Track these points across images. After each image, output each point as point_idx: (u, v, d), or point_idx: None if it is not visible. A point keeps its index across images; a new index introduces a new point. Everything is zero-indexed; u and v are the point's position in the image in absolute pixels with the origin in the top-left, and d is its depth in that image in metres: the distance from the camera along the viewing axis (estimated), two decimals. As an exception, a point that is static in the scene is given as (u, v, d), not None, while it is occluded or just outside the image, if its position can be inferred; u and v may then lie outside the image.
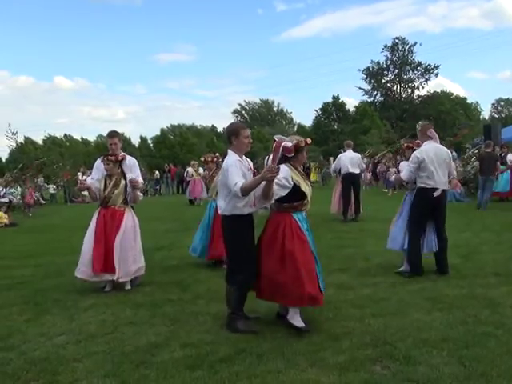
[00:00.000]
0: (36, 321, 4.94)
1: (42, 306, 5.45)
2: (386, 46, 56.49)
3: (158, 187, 30.80)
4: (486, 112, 67.72)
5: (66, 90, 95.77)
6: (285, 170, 4.33)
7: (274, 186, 4.20)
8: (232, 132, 4.49)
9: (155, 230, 11.73)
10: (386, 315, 4.66)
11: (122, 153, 6.26)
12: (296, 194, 4.41)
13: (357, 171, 11.99)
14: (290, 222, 4.41)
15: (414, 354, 3.73)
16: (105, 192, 5.99)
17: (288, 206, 4.44)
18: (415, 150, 6.40)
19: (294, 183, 4.38)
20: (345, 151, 12.40)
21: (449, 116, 52.62)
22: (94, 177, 6.34)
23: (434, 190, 6.12)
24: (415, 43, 56.10)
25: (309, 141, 4.46)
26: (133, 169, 6.36)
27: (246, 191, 4.13)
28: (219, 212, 4.55)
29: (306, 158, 4.71)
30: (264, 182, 4.12)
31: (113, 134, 6.38)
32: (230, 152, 4.47)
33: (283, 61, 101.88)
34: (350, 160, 11.95)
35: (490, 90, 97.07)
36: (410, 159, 6.25)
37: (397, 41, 56.50)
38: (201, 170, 18.95)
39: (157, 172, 31.74)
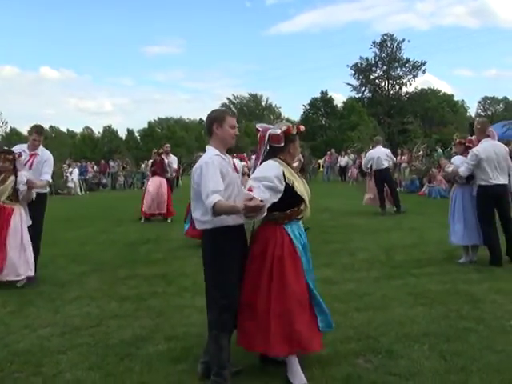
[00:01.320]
0: (20, 312, 4.92)
1: (25, 297, 5.42)
2: (374, 43, 56.55)
3: (144, 180, 30.67)
4: (472, 110, 68.32)
5: (52, 80, 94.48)
6: (275, 166, 3.34)
7: (266, 193, 3.17)
8: (215, 119, 3.44)
9: (141, 222, 11.71)
10: (370, 310, 4.72)
11: (40, 149, 6.21)
12: (289, 197, 3.34)
13: (385, 165, 12.16)
14: (282, 240, 3.37)
15: (396, 348, 3.78)
16: None
17: (279, 215, 3.39)
18: (468, 146, 6.63)
19: (287, 183, 3.32)
20: (374, 147, 12.70)
21: (436, 113, 52.91)
22: None
23: (495, 186, 6.33)
24: (403, 40, 56.24)
25: (302, 128, 3.49)
26: (44, 164, 6.22)
27: (218, 213, 3.13)
28: (197, 227, 3.50)
29: (299, 152, 3.73)
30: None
31: (41, 131, 6.27)
32: (208, 148, 3.45)
33: (272, 55, 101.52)
34: (378, 155, 12.20)
35: (476, 87, 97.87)
36: (469, 156, 6.36)
37: (385, 37, 56.60)
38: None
39: (143, 165, 31.58)
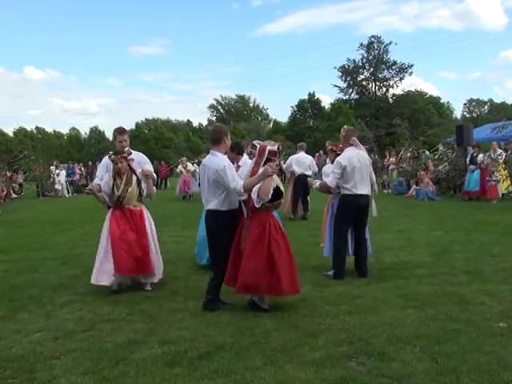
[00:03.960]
0: (12, 318, 4.90)
1: (17, 302, 5.40)
2: (361, 45, 57.00)
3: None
4: (457, 112, 69.08)
5: (36, 80, 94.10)
6: None
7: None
8: (225, 132, 5.05)
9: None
10: (361, 312, 4.77)
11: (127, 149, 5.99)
12: (276, 193, 4.77)
13: (308, 173, 12.02)
14: (274, 221, 4.89)
15: (388, 351, 3.83)
16: (117, 192, 5.60)
17: (269, 205, 4.82)
18: (339, 154, 6.38)
19: (276, 184, 4.80)
20: (297, 153, 12.47)
21: (422, 115, 53.37)
22: (101, 174, 5.95)
23: (358, 196, 6.14)
24: (390, 42, 56.74)
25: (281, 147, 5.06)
26: (142, 162, 6.06)
27: (248, 188, 4.66)
28: (208, 207, 4.95)
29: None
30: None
31: (123, 131, 6.11)
32: (218, 153, 4.89)
33: (259, 56, 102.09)
34: (299, 162, 12.11)
35: (461, 89, 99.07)
36: (334, 165, 6.23)
37: (372, 39, 57.06)
38: (190, 166, 19.90)
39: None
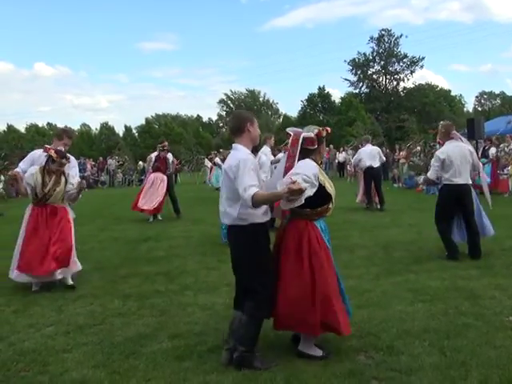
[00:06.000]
0: (24, 312, 4.96)
1: (29, 296, 5.47)
2: (372, 38, 56.60)
3: (143, 177, 30.64)
4: (469, 105, 68.41)
5: (47, 77, 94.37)
6: (313, 165, 3.61)
7: (304, 184, 3.34)
8: (248, 118, 3.70)
9: (141, 220, 11.72)
10: (370, 306, 4.77)
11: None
12: (320, 196, 3.62)
13: (376, 165, 12.32)
14: (316, 235, 3.67)
15: (397, 345, 3.83)
16: (44, 189, 5.71)
17: (310, 212, 3.66)
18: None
19: (319, 183, 3.60)
20: (363, 146, 12.88)
21: (433, 108, 52.94)
22: (24, 167, 6.01)
23: (456, 185, 6.59)
24: (401, 35, 56.29)
25: (329, 129, 3.78)
26: (72, 169, 6.21)
27: (258, 203, 3.37)
28: (226, 222, 3.70)
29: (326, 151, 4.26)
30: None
31: (73, 135, 6.29)
32: (240, 146, 3.64)
33: (268, 51, 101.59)
34: (368, 154, 12.38)
35: (472, 82, 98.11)
36: (433, 159, 6.81)
37: (383, 32, 56.63)
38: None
39: (140, 162, 31.60)
